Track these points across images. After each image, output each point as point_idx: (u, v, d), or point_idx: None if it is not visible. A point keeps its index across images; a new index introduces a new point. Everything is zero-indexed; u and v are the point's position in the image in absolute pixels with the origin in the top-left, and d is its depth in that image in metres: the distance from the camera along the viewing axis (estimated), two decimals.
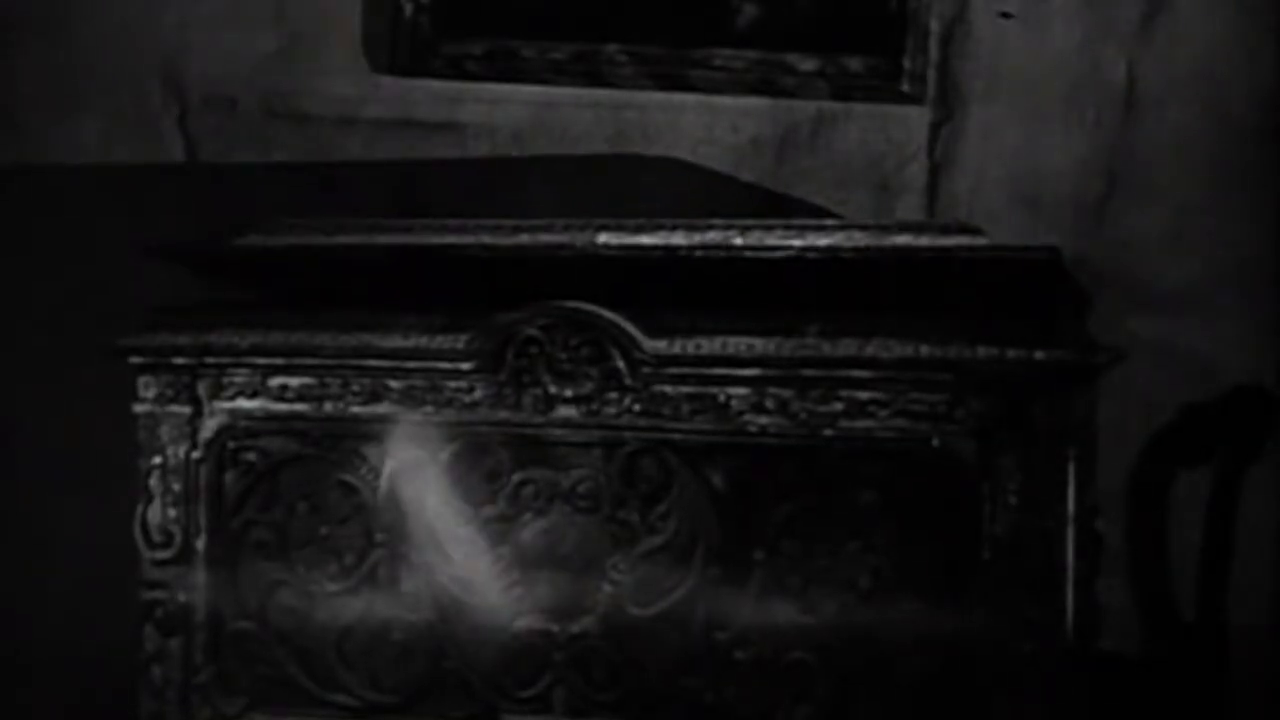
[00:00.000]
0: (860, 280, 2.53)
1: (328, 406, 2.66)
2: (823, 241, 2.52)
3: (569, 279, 2.58)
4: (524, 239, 2.60)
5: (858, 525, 2.49)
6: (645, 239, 2.56)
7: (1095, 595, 2.53)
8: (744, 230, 2.55)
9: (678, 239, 2.55)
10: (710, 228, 2.56)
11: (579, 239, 2.57)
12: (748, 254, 2.52)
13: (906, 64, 3.17)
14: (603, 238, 2.57)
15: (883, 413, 2.47)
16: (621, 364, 2.55)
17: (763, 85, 3.23)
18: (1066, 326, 2.46)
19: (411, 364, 2.62)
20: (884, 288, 2.54)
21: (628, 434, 2.56)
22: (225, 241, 2.72)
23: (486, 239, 2.60)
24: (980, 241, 2.49)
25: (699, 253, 2.52)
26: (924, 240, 2.52)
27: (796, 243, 2.51)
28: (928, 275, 2.52)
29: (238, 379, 2.69)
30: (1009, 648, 2.42)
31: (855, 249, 2.51)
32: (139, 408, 2.72)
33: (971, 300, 2.48)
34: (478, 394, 2.61)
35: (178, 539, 2.71)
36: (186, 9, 3.37)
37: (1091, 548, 2.50)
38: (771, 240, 2.53)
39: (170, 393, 2.71)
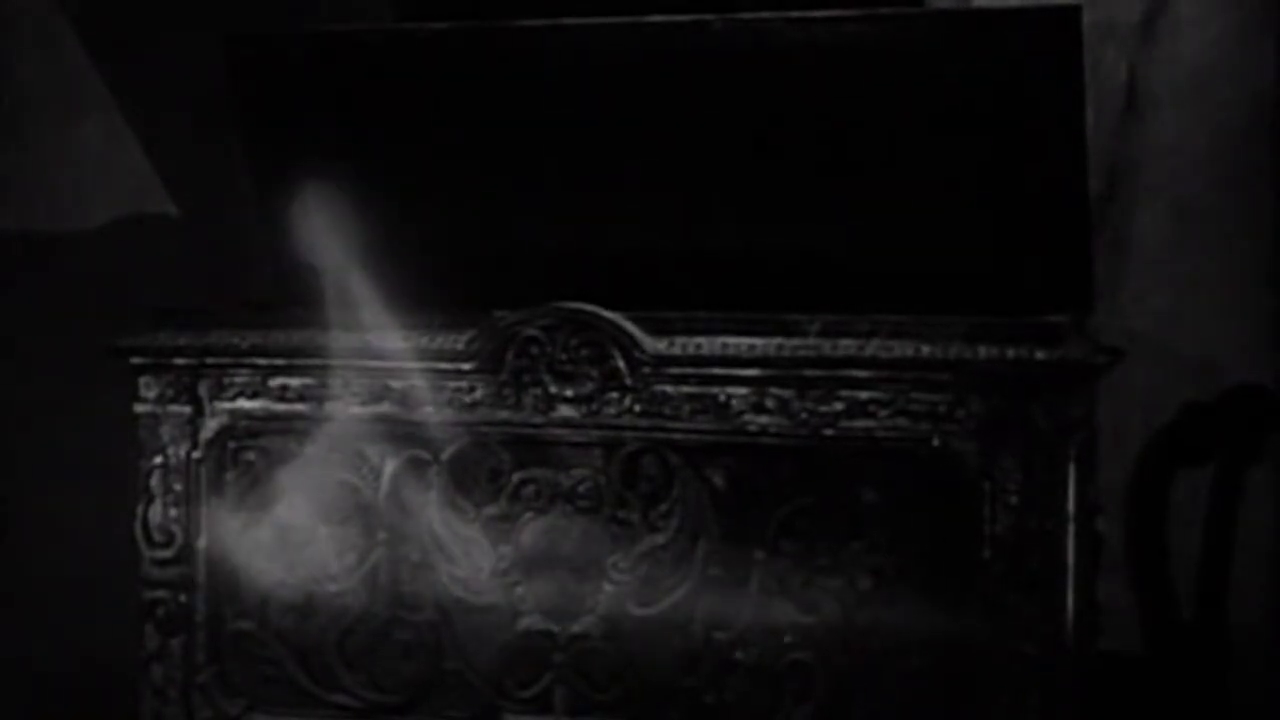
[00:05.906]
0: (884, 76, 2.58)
1: (328, 407, 2.66)
2: (854, 12, 2.55)
3: (570, 279, 2.58)
4: None
5: (858, 525, 2.49)
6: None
7: (1095, 595, 2.53)
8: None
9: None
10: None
11: None
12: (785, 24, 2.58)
13: None
14: None
15: (883, 413, 2.47)
16: (622, 364, 2.55)
17: None
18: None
19: (412, 364, 2.62)
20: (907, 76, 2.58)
21: (628, 434, 2.56)
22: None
23: None
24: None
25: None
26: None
27: (825, 13, 2.56)
28: (955, 50, 2.56)
29: (239, 379, 2.69)
30: (1009, 648, 2.42)
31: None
32: (140, 408, 2.72)
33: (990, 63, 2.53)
34: (478, 394, 2.61)
35: (178, 539, 2.71)
36: None
37: (1092, 547, 2.50)
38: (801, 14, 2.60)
39: (171, 393, 2.71)
